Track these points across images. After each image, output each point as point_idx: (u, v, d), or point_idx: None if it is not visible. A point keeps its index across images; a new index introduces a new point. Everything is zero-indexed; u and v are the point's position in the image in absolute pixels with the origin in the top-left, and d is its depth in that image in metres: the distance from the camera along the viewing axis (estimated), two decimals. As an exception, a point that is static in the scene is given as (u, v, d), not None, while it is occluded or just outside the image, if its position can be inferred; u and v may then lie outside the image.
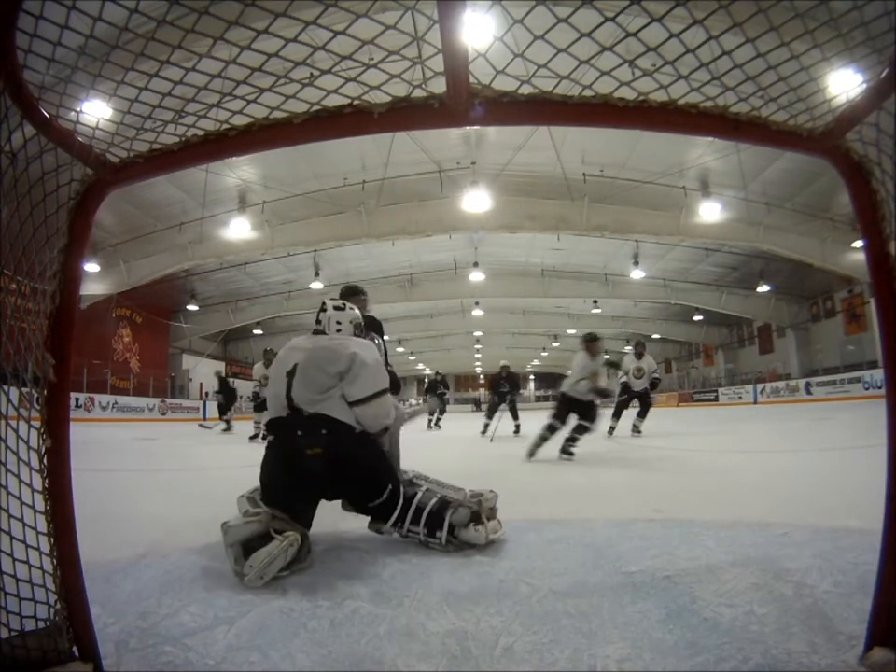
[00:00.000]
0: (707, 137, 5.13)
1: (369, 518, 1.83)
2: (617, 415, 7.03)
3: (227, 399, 10.95)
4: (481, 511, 1.75)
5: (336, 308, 1.98)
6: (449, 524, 1.70)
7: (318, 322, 1.97)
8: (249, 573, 1.39)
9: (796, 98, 0.93)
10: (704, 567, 1.44)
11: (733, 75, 0.87)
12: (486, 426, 7.86)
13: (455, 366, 38.43)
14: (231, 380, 12.40)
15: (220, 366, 27.05)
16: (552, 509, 2.35)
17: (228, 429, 10.27)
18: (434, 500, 1.76)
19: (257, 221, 13.21)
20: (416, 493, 1.79)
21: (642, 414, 7.05)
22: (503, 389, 8.24)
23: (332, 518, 2.19)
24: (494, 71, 0.85)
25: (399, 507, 1.75)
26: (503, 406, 8.19)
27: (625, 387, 7.15)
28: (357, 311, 2.03)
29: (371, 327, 2.39)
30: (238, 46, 0.83)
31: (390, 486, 1.77)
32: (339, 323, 1.95)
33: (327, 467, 1.70)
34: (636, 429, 6.89)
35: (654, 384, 7.12)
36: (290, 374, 1.78)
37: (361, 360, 1.77)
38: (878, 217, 0.89)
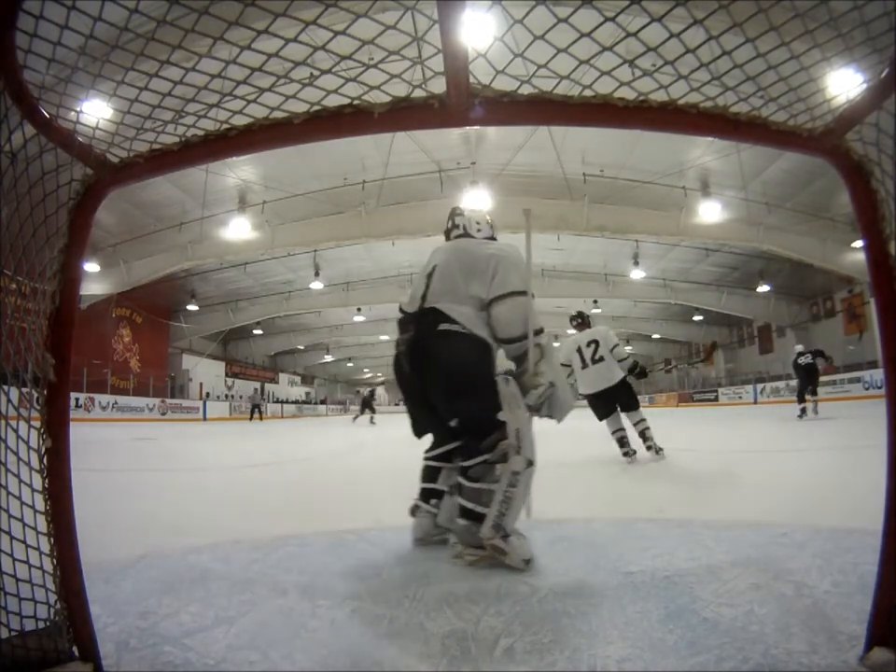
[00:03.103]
0: (706, 137, 5.13)
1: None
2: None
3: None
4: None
5: (473, 210, 1.99)
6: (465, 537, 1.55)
7: (455, 227, 1.95)
8: None
9: (796, 98, 0.92)
10: (704, 567, 1.44)
11: (733, 75, 0.87)
12: None
13: (455, 366, 38.44)
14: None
15: (220, 366, 27.16)
16: (552, 509, 2.35)
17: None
18: (490, 510, 1.49)
19: (257, 221, 13.23)
20: (491, 479, 1.53)
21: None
22: None
23: (332, 518, 2.20)
24: (494, 71, 0.85)
25: (472, 461, 1.53)
26: None
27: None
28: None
29: None
30: (238, 46, 0.83)
31: (459, 418, 1.57)
32: (478, 223, 1.94)
33: (409, 362, 1.63)
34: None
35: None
36: (430, 276, 1.76)
37: (499, 258, 1.69)
38: (878, 217, 0.89)
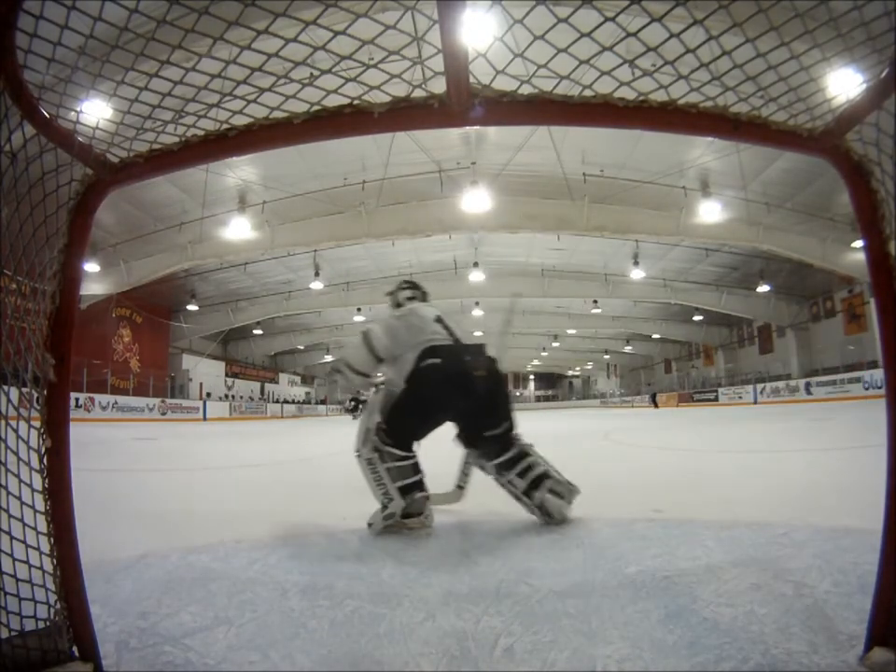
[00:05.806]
0: (706, 137, 5.14)
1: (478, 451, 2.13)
2: None
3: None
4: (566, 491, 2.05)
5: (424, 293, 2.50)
6: (548, 490, 1.98)
7: (418, 296, 2.45)
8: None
9: (796, 98, 0.92)
10: (704, 567, 1.44)
11: (733, 75, 0.87)
12: None
13: (455, 366, 38.52)
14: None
15: (220, 366, 27.17)
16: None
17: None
18: (542, 467, 2.04)
19: (257, 221, 13.23)
20: (530, 454, 2.07)
21: None
22: None
23: (333, 519, 2.20)
24: (494, 71, 0.84)
25: (512, 452, 2.04)
26: None
27: None
28: None
29: None
30: (238, 46, 0.83)
31: (508, 423, 2.06)
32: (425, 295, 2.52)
33: (487, 386, 1.98)
34: None
35: None
36: (440, 320, 2.16)
37: None
38: (878, 217, 0.89)
